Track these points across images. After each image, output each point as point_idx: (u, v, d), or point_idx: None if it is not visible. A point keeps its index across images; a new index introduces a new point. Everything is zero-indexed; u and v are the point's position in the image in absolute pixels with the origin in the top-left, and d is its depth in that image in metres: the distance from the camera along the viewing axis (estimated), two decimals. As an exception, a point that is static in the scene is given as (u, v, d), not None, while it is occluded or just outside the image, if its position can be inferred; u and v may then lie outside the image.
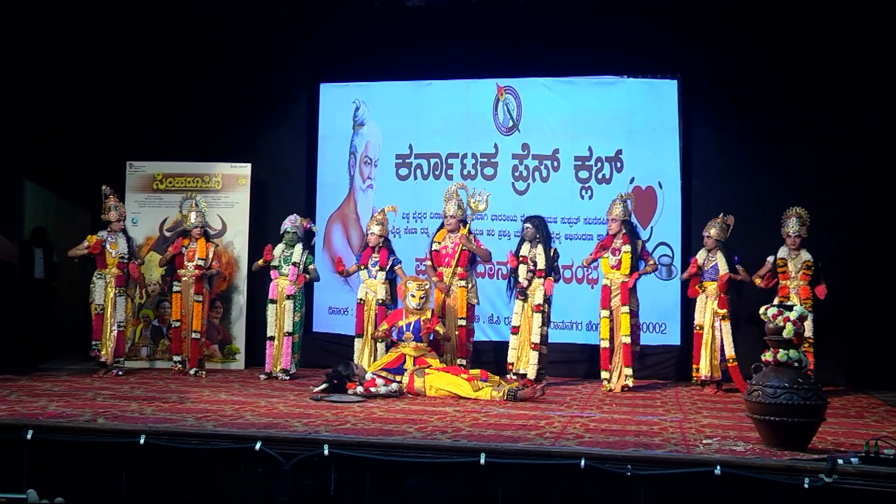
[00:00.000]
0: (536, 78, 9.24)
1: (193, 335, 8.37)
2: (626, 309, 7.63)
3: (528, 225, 7.86)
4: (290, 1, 9.25)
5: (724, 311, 7.66)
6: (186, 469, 4.99)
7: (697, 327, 7.78)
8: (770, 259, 7.68)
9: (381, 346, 7.90)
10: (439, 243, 8.07)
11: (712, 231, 7.79)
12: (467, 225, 8.02)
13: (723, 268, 7.69)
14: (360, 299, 8.10)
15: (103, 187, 8.36)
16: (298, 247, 8.26)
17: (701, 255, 7.84)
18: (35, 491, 4.69)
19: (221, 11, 9.35)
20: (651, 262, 7.91)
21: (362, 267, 8.13)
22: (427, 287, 7.67)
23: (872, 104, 8.33)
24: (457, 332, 7.86)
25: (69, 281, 9.60)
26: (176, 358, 8.51)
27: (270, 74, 9.65)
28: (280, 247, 8.27)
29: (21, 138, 8.63)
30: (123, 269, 8.18)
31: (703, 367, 7.67)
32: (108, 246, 8.20)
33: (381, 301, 8.02)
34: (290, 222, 8.31)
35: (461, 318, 7.85)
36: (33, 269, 9.32)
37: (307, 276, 8.28)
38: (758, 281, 7.71)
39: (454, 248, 7.96)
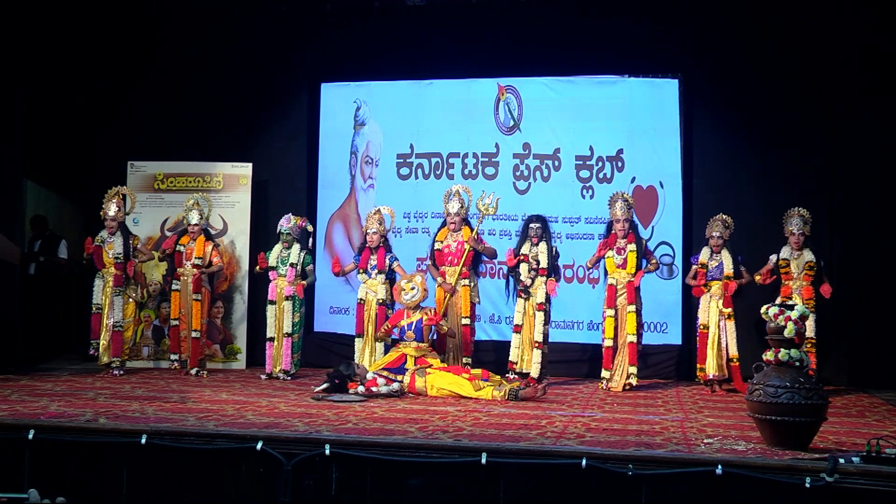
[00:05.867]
0: (537, 77, 9.24)
1: (193, 334, 8.36)
2: (632, 308, 7.62)
3: (536, 224, 7.85)
4: (290, 1, 9.25)
5: (729, 310, 7.66)
6: (188, 469, 4.99)
7: (702, 327, 7.77)
8: (773, 258, 7.67)
9: (379, 347, 7.90)
10: (441, 242, 8.07)
11: (718, 231, 7.78)
12: (475, 229, 8.01)
13: (728, 267, 7.68)
14: (361, 299, 8.10)
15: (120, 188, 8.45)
16: (296, 247, 8.27)
17: (704, 255, 7.84)
18: (36, 491, 4.70)
19: (222, 11, 9.36)
20: (653, 260, 7.92)
21: (361, 270, 8.13)
22: (417, 279, 7.66)
23: (873, 104, 8.32)
24: (461, 331, 7.86)
25: (70, 280, 9.59)
26: (174, 356, 8.52)
27: (271, 74, 9.65)
28: (277, 247, 8.28)
29: (21, 138, 8.62)
30: (121, 269, 8.18)
31: (711, 367, 7.66)
32: (104, 246, 8.21)
33: (381, 301, 8.02)
34: (285, 222, 8.32)
35: (465, 318, 7.86)
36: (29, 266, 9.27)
37: (305, 283, 8.28)
38: (757, 278, 7.71)
39: (457, 248, 7.96)
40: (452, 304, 7.93)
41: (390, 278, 8.09)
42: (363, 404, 6.46)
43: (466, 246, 7.90)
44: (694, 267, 7.92)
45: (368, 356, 7.90)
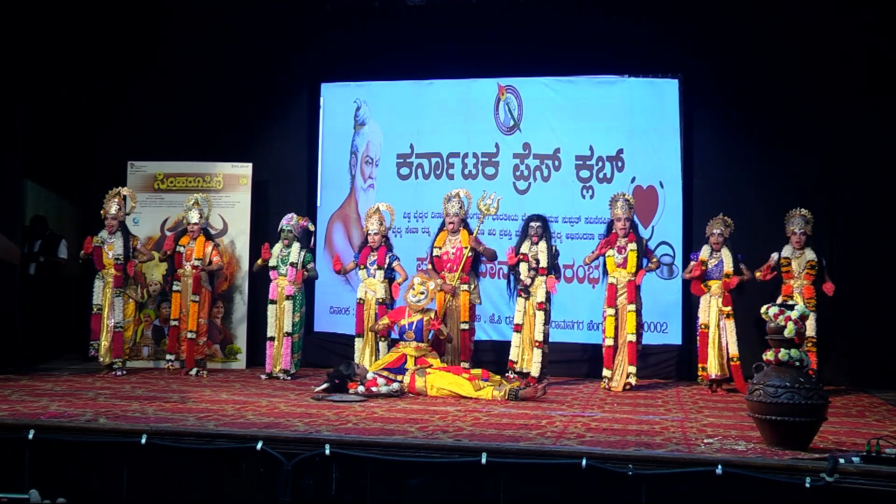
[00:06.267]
0: (537, 77, 9.24)
1: (189, 335, 8.36)
2: (632, 307, 7.62)
3: (536, 224, 7.85)
4: (290, 1, 9.25)
5: (729, 308, 7.66)
6: (188, 469, 4.99)
7: (702, 326, 7.78)
8: (774, 255, 7.68)
9: (382, 346, 7.90)
10: (440, 248, 8.04)
11: (718, 229, 7.79)
12: (475, 230, 8.01)
13: (727, 265, 7.68)
14: (360, 299, 8.10)
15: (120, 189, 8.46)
16: (296, 246, 8.27)
17: (705, 253, 7.84)
18: (37, 491, 4.70)
19: (222, 11, 9.36)
20: (654, 259, 7.92)
21: (361, 266, 8.13)
22: (430, 286, 7.65)
23: (873, 104, 8.32)
24: (459, 336, 7.85)
25: (70, 280, 9.59)
26: (170, 356, 8.54)
27: (271, 74, 9.65)
28: (278, 246, 8.29)
29: (21, 138, 8.62)
30: (121, 270, 8.18)
31: (712, 367, 7.66)
32: (104, 247, 8.21)
33: (380, 300, 8.02)
34: (287, 221, 8.33)
35: (464, 322, 7.86)
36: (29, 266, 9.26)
37: (306, 272, 8.28)
38: (758, 274, 7.71)
39: (456, 254, 7.95)
40: (452, 307, 7.92)
41: (389, 277, 8.09)
42: (363, 404, 6.46)
43: (465, 251, 7.89)
44: (692, 262, 7.92)
45: (369, 356, 7.90)
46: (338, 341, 9.11)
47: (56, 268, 9.28)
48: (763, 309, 5.23)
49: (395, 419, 5.74)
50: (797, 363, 4.94)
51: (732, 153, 8.73)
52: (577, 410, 6.41)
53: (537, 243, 7.83)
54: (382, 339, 7.92)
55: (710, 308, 7.76)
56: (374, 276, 8.07)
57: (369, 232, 8.13)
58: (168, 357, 8.55)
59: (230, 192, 9.25)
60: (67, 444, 5.10)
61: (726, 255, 7.73)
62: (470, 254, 7.91)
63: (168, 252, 8.56)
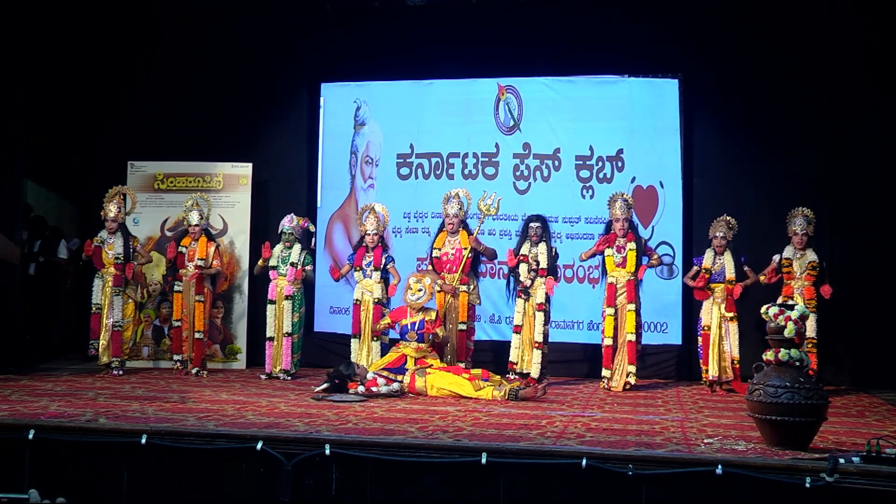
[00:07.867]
0: (537, 77, 9.24)
1: (196, 335, 8.37)
2: (632, 307, 7.63)
3: (535, 224, 7.85)
4: (290, 1, 9.26)
5: (732, 313, 7.66)
6: (188, 469, 4.99)
7: (705, 328, 7.77)
8: (776, 257, 7.68)
9: (375, 346, 7.86)
10: (439, 250, 8.04)
11: (721, 231, 7.79)
12: (475, 230, 8.00)
13: (730, 271, 7.68)
14: (356, 299, 8.08)
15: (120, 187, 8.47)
16: (297, 247, 8.28)
17: (708, 258, 7.83)
18: (37, 491, 4.70)
19: (222, 11, 9.37)
20: (654, 256, 7.92)
21: (357, 268, 8.12)
22: (426, 281, 7.65)
23: (873, 104, 8.32)
24: (457, 336, 7.85)
25: (70, 279, 9.59)
26: (176, 357, 8.53)
27: (271, 74, 9.66)
28: (278, 247, 8.30)
29: (21, 138, 8.62)
30: (120, 270, 8.18)
31: (712, 369, 7.66)
32: (104, 246, 8.21)
33: (377, 300, 8.00)
34: (287, 222, 8.33)
35: (462, 322, 7.85)
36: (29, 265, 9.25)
37: (304, 272, 8.28)
38: (762, 278, 7.72)
39: (455, 255, 7.95)
40: (451, 308, 7.92)
41: (385, 278, 8.08)
42: (363, 404, 6.46)
43: (465, 252, 7.89)
44: (695, 268, 7.92)
45: (366, 356, 7.89)
46: (337, 341, 9.09)
47: (56, 268, 9.28)
48: (763, 309, 5.23)
49: (395, 419, 5.74)
50: (797, 363, 4.94)
51: (732, 153, 8.73)
52: (577, 410, 6.41)
53: (537, 244, 7.83)
54: (375, 339, 7.89)
55: (713, 310, 7.76)
56: (370, 277, 8.06)
57: (367, 232, 8.11)
58: (175, 358, 8.54)
59: (230, 192, 9.25)
60: (67, 444, 5.10)
61: (728, 260, 7.72)
62: (469, 255, 7.90)
63: (171, 259, 8.54)
